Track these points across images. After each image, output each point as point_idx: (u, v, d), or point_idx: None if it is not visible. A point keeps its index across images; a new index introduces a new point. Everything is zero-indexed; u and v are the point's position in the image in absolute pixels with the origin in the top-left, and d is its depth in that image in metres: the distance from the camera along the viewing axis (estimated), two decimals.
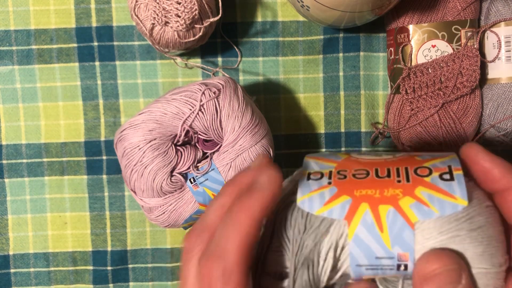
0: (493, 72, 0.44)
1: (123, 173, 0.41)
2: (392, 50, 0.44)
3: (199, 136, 0.41)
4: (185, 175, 0.41)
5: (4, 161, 0.48)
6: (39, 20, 0.47)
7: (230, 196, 0.23)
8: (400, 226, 0.22)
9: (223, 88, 0.40)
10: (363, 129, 0.48)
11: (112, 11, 0.47)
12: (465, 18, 0.42)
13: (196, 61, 0.48)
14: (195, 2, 0.39)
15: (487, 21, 0.43)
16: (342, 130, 0.48)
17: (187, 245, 0.23)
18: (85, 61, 0.47)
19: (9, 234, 0.49)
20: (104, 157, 0.48)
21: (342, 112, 0.48)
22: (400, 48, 0.44)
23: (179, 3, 0.39)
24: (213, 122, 0.39)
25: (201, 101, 0.39)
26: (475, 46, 0.42)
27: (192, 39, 0.41)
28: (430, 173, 0.23)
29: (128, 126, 0.40)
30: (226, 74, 0.47)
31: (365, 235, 0.22)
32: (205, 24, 0.41)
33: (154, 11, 0.39)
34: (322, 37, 0.47)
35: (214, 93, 0.39)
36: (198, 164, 0.41)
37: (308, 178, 0.24)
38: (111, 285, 0.49)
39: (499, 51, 0.43)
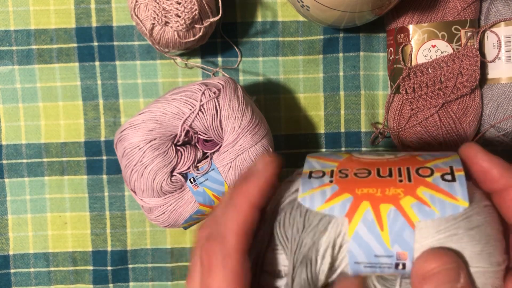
0: (493, 72, 0.44)
1: (123, 173, 0.41)
2: (392, 50, 0.44)
3: (199, 136, 0.41)
4: (185, 175, 0.41)
5: (4, 161, 0.48)
6: (39, 20, 0.47)
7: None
8: (400, 225, 0.22)
9: (223, 88, 0.40)
10: (363, 129, 0.48)
11: (112, 11, 0.47)
12: (465, 18, 0.42)
13: (196, 61, 0.48)
14: (195, 2, 0.39)
15: (487, 21, 0.43)
16: (342, 130, 0.48)
17: (198, 234, 0.24)
18: (85, 61, 0.47)
19: (9, 234, 0.49)
20: (104, 157, 0.48)
21: (342, 112, 0.48)
22: (400, 48, 0.44)
23: (179, 3, 0.39)
24: (213, 122, 0.39)
25: (201, 101, 0.39)
26: (475, 46, 0.42)
27: (192, 39, 0.41)
28: (432, 173, 0.23)
29: (128, 126, 0.40)
30: (226, 74, 0.47)
31: (365, 233, 0.22)
32: (205, 24, 0.41)
33: (154, 11, 0.39)
34: (322, 37, 0.47)
35: (214, 93, 0.39)
36: (198, 164, 0.41)
37: (310, 177, 0.24)
38: (111, 285, 0.49)
39: (499, 51, 0.43)
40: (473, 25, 0.43)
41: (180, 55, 0.48)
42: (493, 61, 0.43)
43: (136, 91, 0.48)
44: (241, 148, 0.40)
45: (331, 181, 0.24)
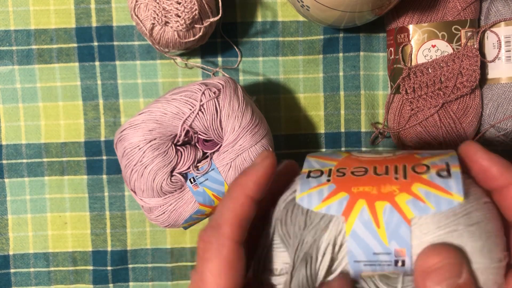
0: (493, 72, 0.44)
1: (123, 173, 0.41)
2: (392, 50, 0.45)
3: (199, 136, 0.41)
4: (185, 175, 0.41)
5: (4, 161, 0.48)
6: (39, 20, 0.47)
7: None
8: (396, 222, 0.22)
9: (223, 88, 0.40)
10: (363, 129, 0.48)
11: (112, 11, 0.47)
12: (465, 18, 0.42)
13: (196, 61, 0.48)
14: (195, 2, 0.39)
15: (487, 21, 0.44)
16: (342, 130, 0.48)
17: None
18: (85, 61, 0.47)
19: (9, 234, 0.49)
20: (104, 157, 0.48)
21: (342, 112, 0.48)
22: (400, 48, 0.44)
23: (179, 3, 0.39)
24: (213, 122, 0.39)
25: (201, 101, 0.39)
26: (475, 46, 0.42)
27: (192, 39, 0.41)
28: (428, 170, 0.23)
29: (128, 126, 0.40)
30: (226, 74, 0.47)
31: (362, 231, 0.22)
32: (205, 24, 0.41)
33: (154, 11, 0.39)
34: (322, 37, 0.47)
35: (214, 93, 0.39)
36: (198, 164, 0.41)
37: (308, 176, 0.24)
38: (111, 285, 0.49)
39: (499, 51, 0.43)
40: (473, 25, 0.43)
41: (180, 55, 0.48)
42: (493, 61, 0.43)
43: (136, 91, 0.48)
44: (241, 148, 0.40)
45: (328, 180, 0.24)
